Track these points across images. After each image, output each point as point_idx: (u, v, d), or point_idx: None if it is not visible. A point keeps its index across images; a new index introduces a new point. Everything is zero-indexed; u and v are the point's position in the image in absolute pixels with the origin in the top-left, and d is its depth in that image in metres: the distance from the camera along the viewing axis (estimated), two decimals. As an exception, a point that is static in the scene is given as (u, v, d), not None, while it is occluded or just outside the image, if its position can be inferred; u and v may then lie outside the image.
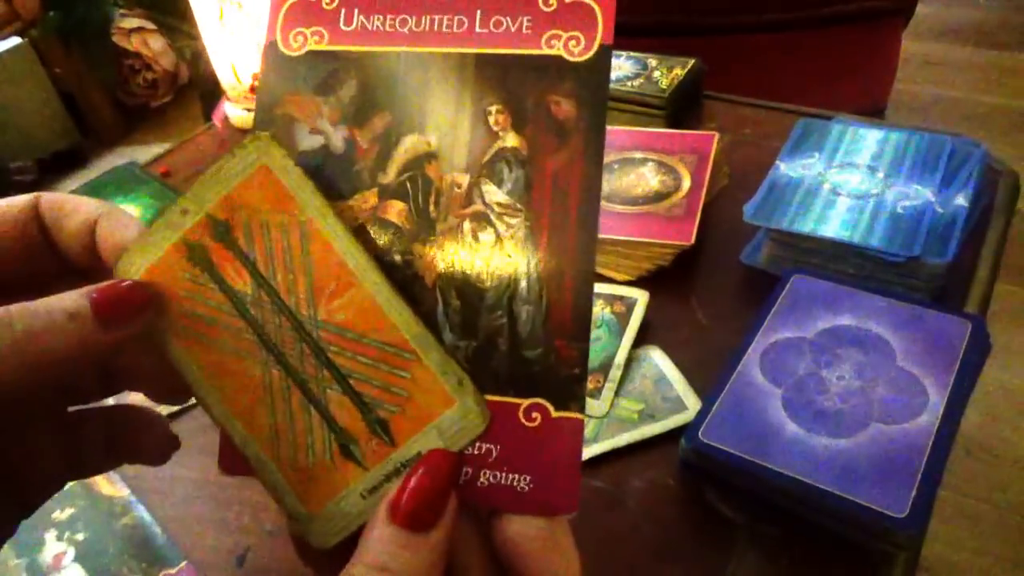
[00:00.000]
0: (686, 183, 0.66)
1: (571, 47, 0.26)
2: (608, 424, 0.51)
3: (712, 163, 0.68)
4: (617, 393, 0.53)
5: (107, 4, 2.21)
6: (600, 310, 0.58)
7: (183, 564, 0.46)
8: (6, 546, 0.47)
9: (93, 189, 0.78)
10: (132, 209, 0.73)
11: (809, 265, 0.58)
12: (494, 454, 0.24)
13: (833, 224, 0.58)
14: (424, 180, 0.26)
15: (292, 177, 0.25)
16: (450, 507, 0.23)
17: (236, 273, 0.25)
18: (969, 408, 0.46)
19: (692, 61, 0.80)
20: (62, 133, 2.22)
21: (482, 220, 0.26)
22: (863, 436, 0.44)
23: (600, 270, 0.62)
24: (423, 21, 0.27)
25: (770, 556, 0.44)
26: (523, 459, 0.24)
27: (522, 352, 0.25)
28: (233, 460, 0.26)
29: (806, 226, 0.58)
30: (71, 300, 0.23)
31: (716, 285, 0.61)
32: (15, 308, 0.22)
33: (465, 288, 0.26)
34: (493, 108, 0.26)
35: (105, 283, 0.24)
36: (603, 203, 0.66)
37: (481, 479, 0.24)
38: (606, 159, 0.70)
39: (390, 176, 0.26)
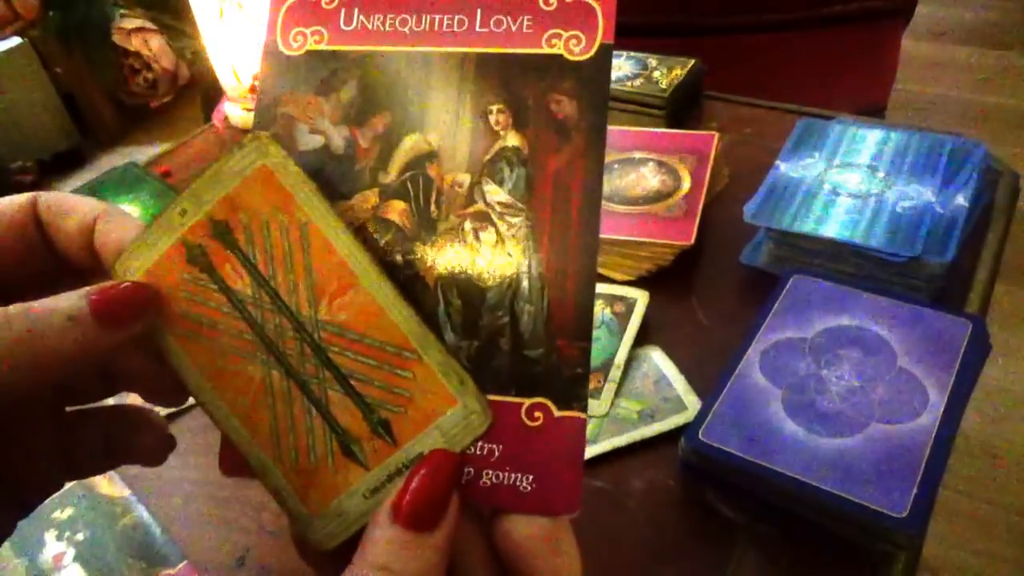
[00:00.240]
0: (686, 183, 0.66)
1: (572, 46, 0.26)
2: (608, 424, 0.51)
3: (712, 163, 0.68)
4: (617, 393, 0.53)
5: (107, 4, 2.21)
6: (600, 310, 0.58)
7: (183, 564, 0.46)
8: (6, 546, 0.47)
9: (93, 189, 0.78)
10: (132, 209, 0.73)
11: (809, 265, 0.58)
12: (496, 454, 0.24)
13: (833, 224, 0.58)
14: (425, 180, 0.26)
15: (292, 177, 0.25)
16: (452, 507, 0.23)
17: (236, 274, 0.25)
18: (969, 408, 0.46)
19: (692, 61, 0.80)
20: (62, 133, 2.22)
21: (483, 220, 0.26)
22: (863, 436, 0.44)
23: (600, 270, 0.62)
24: (423, 20, 0.27)
25: (770, 556, 0.44)
26: (525, 459, 0.24)
27: (524, 351, 0.25)
28: (234, 462, 0.26)
29: (806, 226, 0.58)
30: (70, 301, 0.23)
31: (716, 285, 0.61)
32: (13, 309, 0.22)
33: (466, 288, 0.26)
34: (494, 107, 0.26)
35: (104, 284, 0.24)
36: (603, 203, 0.66)
37: (483, 479, 0.24)
38: (606, 159, 0.70)
39: (391, 176, 0.26)
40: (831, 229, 0.57)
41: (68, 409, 0.28)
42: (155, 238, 0.25)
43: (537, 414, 0.25)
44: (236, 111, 0.86)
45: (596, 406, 0.52)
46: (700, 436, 0.45)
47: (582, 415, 0.25)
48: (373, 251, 0.25)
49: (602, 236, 0.62)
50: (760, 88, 0.84)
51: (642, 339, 0.56)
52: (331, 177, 0.27)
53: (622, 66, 0.80)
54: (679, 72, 0.78)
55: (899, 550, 0.42)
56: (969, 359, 0.48)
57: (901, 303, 0.52)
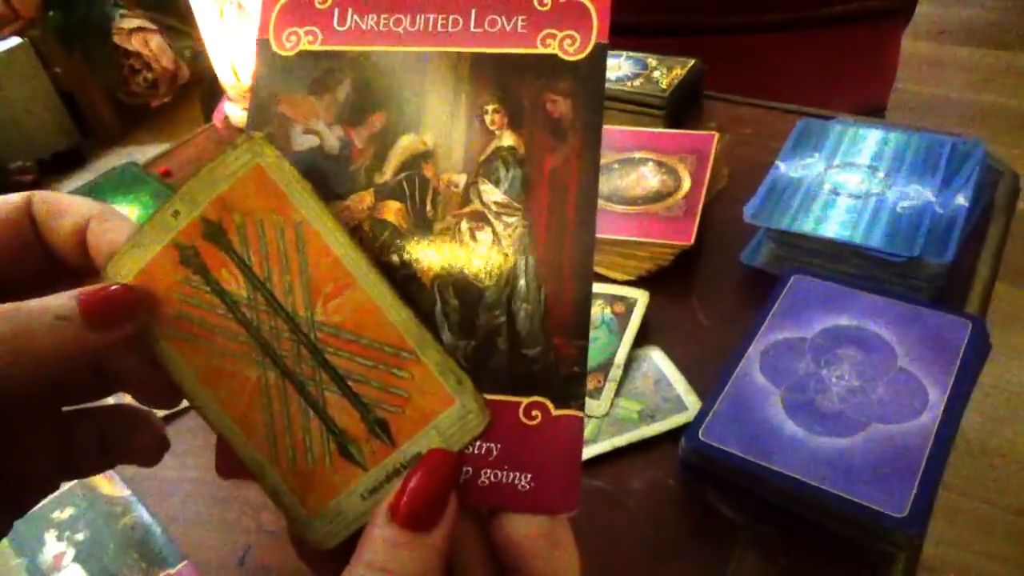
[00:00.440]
0: (686, 183, 0.66)
1: (567, 46, 0.26)
2: (608, 424, 0.51)
3: (712, 163, 0.68)
4: (617, 393, 0.53)
5: (107, 4, 2.21)
6: (600, 310, 0.58)
7: (183, 564, 0.46)
8: (6, 546, 0.47)
9: (93, 189, 0.78)
10: (132, 209, 0.73)
11: (809, 265, 0.58)
12: (494, 453, 0.24)
13: (833, 224, 0.58)
14: (421, 180, 0.26)
15: (286, 177, 0.25)
16: (450, 507, 0.23)
17: (230, 275, 0.25)
18: (969, 408, 0.46)
19: (692, 61, 0.80)
20: (62, 133, 2.22)
21: (480, 219, 0.26)
22: (863, 436, 0.44)
23: (600, 270, 0.62)
24: (417, 20, 0.27)
25: (770, 556, 0.44)
26: (523, 458, 0.24)
27: (521, 350, 0.25)
28: (230, 464, 0.26)
29: (806, 226, 0.58)
30: (59, 301, 0.23)
31: (716, 285, 0.61)
32: (3, 308, 0.22)
33: (463, 287, 0.26)
34: (489, 107, 0.26)
35: (94, 286, 0.24)
36: (603, 203, 0.66)
37: (482, 478, 0.24)
38: (606, 159, 0.70)
39: (387, 176, 0.26)
40: (831, 229, 0.57)
41: (65, 409, 0.28)
42: (148, 239, 0.25)
43: (535, 413, 0.25)
44: (236, 111, 0.86)
45: (596, 406, 0.52)
46: (700, 436, 0.45)
47: (580, 413, 0.25)
48: (369, 251, 0.25)
49: (602, 236, 0.62)
50: (760, 88, 0.84)
51: (642, 339, 0.56)
52: (326, 177, 0.26)
53: (622, 66, 0.80)
54: (679, 72, 0.78)
55: (899, 550, 0.42)
56: (969, 359, 0.48)
57: (901, 303, 0.52)
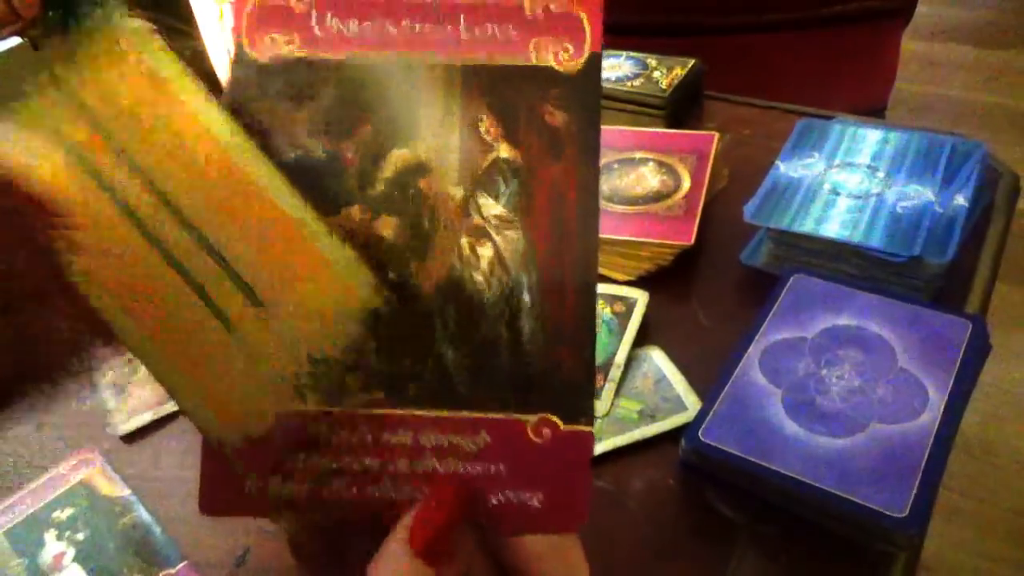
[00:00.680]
0: (686, 183, 0.66)
1: (560, 57, 0.25)
2: (608, 424, 0.51)
3: (712, 163, 0.68)
4: (617, 393, 0.53)
5: (107, 4, 2.21)
6: (600, 310, 0.58)
7: (183, 564, 0.46)
8: (6, 546, 0.47)
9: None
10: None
11: (809, 265, 0.58)
12: (504, 473, 0.24)
13: (833, 224, 0.58)
14: (416, 193, 0.25)
15: (165, 66, 0.24)
16: (462, 536, 0.23)
17: (113, 166, 0.24)
18: (969, 408, 0.46)
19: (692, 61, 0.80)
20: (62, 133, 2.22)
21: (480, 234, 0.25)
22: (863, 436, 0.44)
23: (600, 270, 0.62)
24: (403, 28, 0.26)
25: (770, 556, 0.44)
26: (533, 477, 0.24)
27: (527, 367, 0.25)
28: (213, 499, 0.25)
29: (806, 226, 0.58)
30: None
31: (716, 285, 0.61)
32: None
33: (465, 304, 0.25)
34: (484, 119, 0.25)
35: None
36: (603, 203, 0.66)
37: (492, 499, 0.24)
38: (605, 159, 0.70)
39: (379, 189, 0.26)
40: (831, 229, 0.57)
41: None
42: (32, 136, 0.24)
43: (544, 430, 0.24)
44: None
45: (596, 406, 0.52)
46: (700, 436, 0.45)
47: (589, 428, 0.24)
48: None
49: (602, 236, 0.62)
50: (760, 88, 0.84)
51: (642, 339, 0.56)
52: (314, 191, 0.25)
53: (622, 66, 0.80)
54: (679, 72, 0.78)
55: (899, 550, 0.42)
56: (969, 359, 0.48)
57: (901, 303, 0.52)
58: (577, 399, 0.24)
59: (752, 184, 0.63)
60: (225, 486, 0.25)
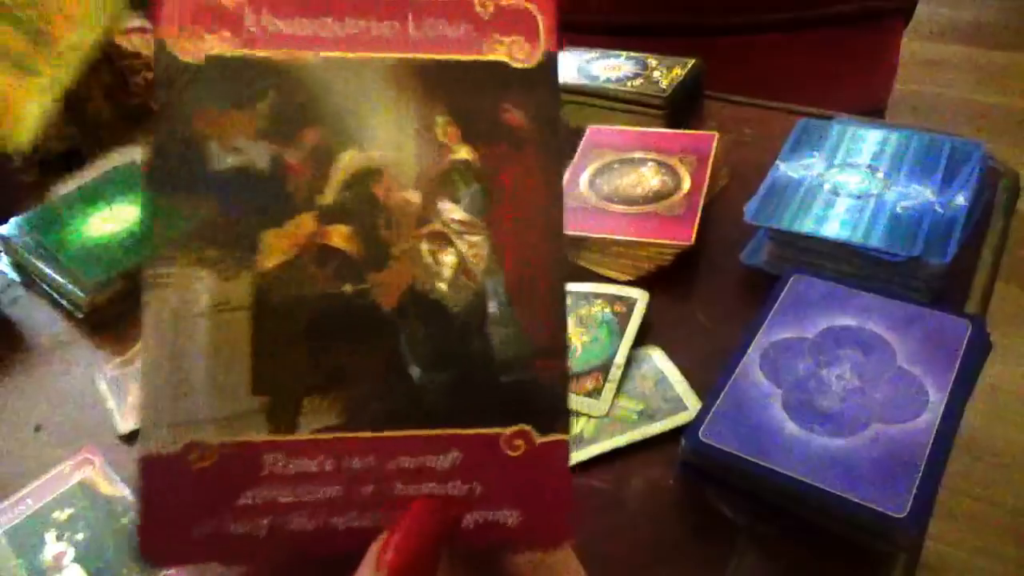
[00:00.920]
0: (686, 183, 0.66)
1: (515, 53, 0.25)
2: (608, 424, 0.51)
3: (712, 163, 0.68)
4: (617, 393, 0.53)
5: (107, 4, 2.21)
6: (600, 310, 0.58)
7: (183, 564, 0.46)
8: (6, 546, 0.47)
9: (93, 189, 0.78)
10: (132, 209, 0.73)
11: (809, 265, 0.58)
12: (477, 491, 0.23)
13: (833, 224, 0.58)
14: (370, 199, 0.24)
15: None
16: (439, 561, 0.21)
17: None
18: (969, 408, 0.46)
19: (692, 61, 0.80)
20: (62, 133, 2.22)
21: (441, 240, 0.24)
22: (863, 436, 0.44)
23: (600, 270, 0.62)
24: (347, 24, 0.24)
25: (770, 556, 0.44)
26: (509, 492, 0.23)
27: (499, 378, 0.23)
28: (156, 547, 0.22)
29: (806, 226, 0.58)
30: None
31: (716, 285, 0.61)
32: None
33: (430, 315, 0.24)
34: (439, 119, 0.24)
35: None
36: (603, 203, 0.66)
37: (467, 521, 0.23)
38: (606, 159, 0.70)
39: (329, 197, 0.24)
40: (831, 229, 0.57)
41: None
42: None
43: (517, 442, 0.23)
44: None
45: (596, 406, 0.52)
46: (700, 436, 0.45)
47: (565, 437, 0.23)
48: (312, 280, 0.23)
49: (602, 236, 0.62)
50: (760, 88, 0.84)
51: (642, 339, 0.56)
52: (257, 200, 0.23)
53: (622, 66, 0.80)
54: (679, 72, 0.78)
55: (899, 550, 0.42)
56: (969, 359, 0.48)
57: (901, 303, 0.52)
58: (551, 407, 0.23)
59: (752, 184, 0.63)
60: (168, 530, 0.22)
